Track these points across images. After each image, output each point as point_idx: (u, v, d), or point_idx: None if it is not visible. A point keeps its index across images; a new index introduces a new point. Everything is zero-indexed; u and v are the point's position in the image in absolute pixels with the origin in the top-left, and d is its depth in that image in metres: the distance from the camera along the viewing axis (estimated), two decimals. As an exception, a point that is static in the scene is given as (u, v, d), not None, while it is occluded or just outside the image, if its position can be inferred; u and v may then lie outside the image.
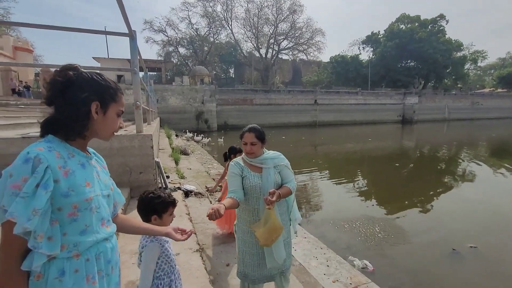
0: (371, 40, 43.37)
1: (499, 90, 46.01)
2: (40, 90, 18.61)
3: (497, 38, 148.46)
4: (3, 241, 0.75)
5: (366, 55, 44.34)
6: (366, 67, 40.49)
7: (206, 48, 40.75)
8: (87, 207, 0.85)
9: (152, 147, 3.81)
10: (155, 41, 38.03)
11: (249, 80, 41.29)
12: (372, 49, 43.56)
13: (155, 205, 1.36)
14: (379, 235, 4.30)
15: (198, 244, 2.72)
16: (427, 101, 33.77)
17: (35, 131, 4.55)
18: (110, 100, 0.92)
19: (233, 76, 50.66)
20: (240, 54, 43.21)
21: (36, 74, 22.32)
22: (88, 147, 0.98)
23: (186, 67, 42.42)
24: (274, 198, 1.54)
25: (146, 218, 1.37)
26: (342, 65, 42.05)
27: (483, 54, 44.75)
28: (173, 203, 1.41)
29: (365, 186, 7.60)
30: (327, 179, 8.17)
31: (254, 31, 39.12)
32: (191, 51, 41.22)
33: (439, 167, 10.41)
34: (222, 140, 16.16)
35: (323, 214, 5.31)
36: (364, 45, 44.72)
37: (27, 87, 17.53)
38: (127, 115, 16.66)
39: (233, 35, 40.64)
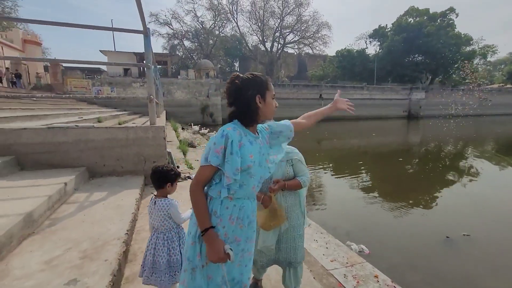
0: (378, 34, 42.78)
1: (509, 85, 45.20)
2: (40, 84, 18.75)
3: (509, 32, 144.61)
4: (198, 175, 1.19)
5: (372, 49, 43.97)
6: (372, 61, 40.07)
7: (211, 42, 40.76)
8: (247, 170, 1.18)
9: (165, 138, 4.07)
10: (160, 34, 38.22)
11: (254, 74, 41.19)
12: (379, 43, 43.00)
13: (170, 176, 1.73)
14: (378, 224, 4.53)
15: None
16: (434, 96, 33.41)
17: (56, 122, 4.84)
18: (265, 90, 1.24)
19: (238, 70, 50.65)
20: (245, 47, 43.12)
21: (46, 68, 22.75)
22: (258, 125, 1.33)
23: (191, 61, 42.53)
24: (275, 186, 1.66)
25: (160, 186, 1.70)
26: (348, 59, 41.67)
27: (493, 49, 43.79)
28: (180, 175, 1.85)
29: (368, 180, 7.79)
30: (331, 173, 8.38)
31: (259, 24, 38.95)
32: (196, 44, 41.26)
33: (442, 162, 10.51)
34: (227, 133, 16.35)
35: (325, 205, 5.54)
36: (371, 39, 44.15)
37: (18, 75, 17.65)
38: (133, 108, 16.99)
39: (238, 28, 40.56)
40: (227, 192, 1.17)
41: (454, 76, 42.30)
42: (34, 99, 10.81)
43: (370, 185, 7.25)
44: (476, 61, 43.05)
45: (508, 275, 3.18)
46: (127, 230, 2.24)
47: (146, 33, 3.72)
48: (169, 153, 4.34)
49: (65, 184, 2.84)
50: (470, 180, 7.73)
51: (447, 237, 3.86)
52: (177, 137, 10.12)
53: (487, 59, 46.87)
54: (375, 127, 22.77)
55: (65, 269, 1.67)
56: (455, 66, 39.74)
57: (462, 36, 38.32)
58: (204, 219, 1.15)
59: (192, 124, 18.79)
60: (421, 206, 5.54)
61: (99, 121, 7.55)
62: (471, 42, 39.77)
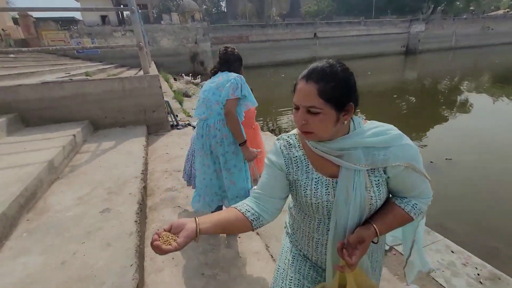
0: (378, -44, 38.14)
1: (515, 11, 42.53)
2: (9, 43, 16.97)
3: None
4: (233, 105, 1.67)
5: (372, -24, 39.49)
6: (371, -9, 36.70)
7: (193, -22, 36.30)
8: None
9: (160, 87, 4.08)
10: (134, -28, 33.69)
11: (243, 14, 37.99)
12: (379, -32, 38.65)
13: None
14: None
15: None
16: (435, 28, 31.61)
17: (49, 77, 4.75)
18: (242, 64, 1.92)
19: (226, 10, 46.40)
20: (231, -18, 38.75)
21: (15, 20, 20.68)
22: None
23: (173, 2, 38.69)
24: (353, 259, 0.68)
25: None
26: (345, -9, 38.07)
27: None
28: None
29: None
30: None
31: (245, -48, 34.25)
32: (176, -18, 36.94)
33: (434, 98, 10.67)
34: (220, 81, 15.97)
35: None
36: (371, -36, 39.54)
37: None
38: (119, 60, 15.98)
39: (222, -41, 35.74)
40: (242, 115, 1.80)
41: (458, 3, 39.38)
42: (13, 55, 10.20)
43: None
44: (483, -16, 39.56)
45: (482, 192, 3.64)
46: (142, 171, 2.48)
47: (124, -30, 3.40)
48: (167, 102, 4.40)
49: (74, 136, 2.99)
50: (458, 112, 8.01)
51: (431, 162, 4.25)
52: (171, 88, 9.95)
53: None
54: (371, 66, 22.17)
55: (96, 202, 1.94)
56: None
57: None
58: (243, 134, 1.71)
59: (183, 74, 18.12)
60: (411, 138, 5.87)
61: (87, 76, 7.32)
62: (480, -39, 35.90)
